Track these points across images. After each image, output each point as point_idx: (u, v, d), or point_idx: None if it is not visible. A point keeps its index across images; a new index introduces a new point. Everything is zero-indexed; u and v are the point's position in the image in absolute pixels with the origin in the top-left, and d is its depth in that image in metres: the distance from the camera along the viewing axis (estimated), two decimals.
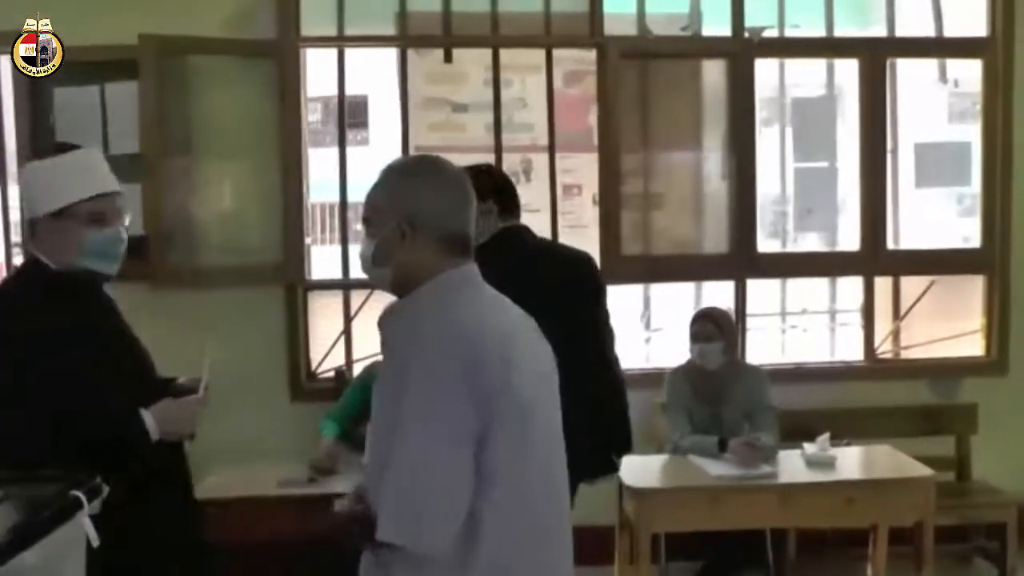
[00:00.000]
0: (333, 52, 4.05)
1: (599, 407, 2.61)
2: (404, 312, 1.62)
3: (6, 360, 1.87)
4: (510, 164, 4.11)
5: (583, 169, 4.44)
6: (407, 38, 4.08)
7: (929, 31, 4.44)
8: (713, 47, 4.18)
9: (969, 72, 4.48)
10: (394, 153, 3.88)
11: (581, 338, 2.53)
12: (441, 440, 1.46)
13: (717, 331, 3.66)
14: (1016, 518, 3.86)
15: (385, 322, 1.66)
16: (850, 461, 3.56)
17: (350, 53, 4.09)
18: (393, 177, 1.66)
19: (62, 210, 1.96)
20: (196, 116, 3.84)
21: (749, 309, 4.25)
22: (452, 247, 1.60)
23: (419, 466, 1.46)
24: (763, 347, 4.62)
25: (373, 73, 5.64)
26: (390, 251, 1.60)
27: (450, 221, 1.61)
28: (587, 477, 2.69)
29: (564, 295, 2.49)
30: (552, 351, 1.71)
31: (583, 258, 2.71)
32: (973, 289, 4.44)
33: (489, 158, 3.96)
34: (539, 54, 4.05)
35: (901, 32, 4.35)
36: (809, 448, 3.48)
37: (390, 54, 4.26)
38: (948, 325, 4.43)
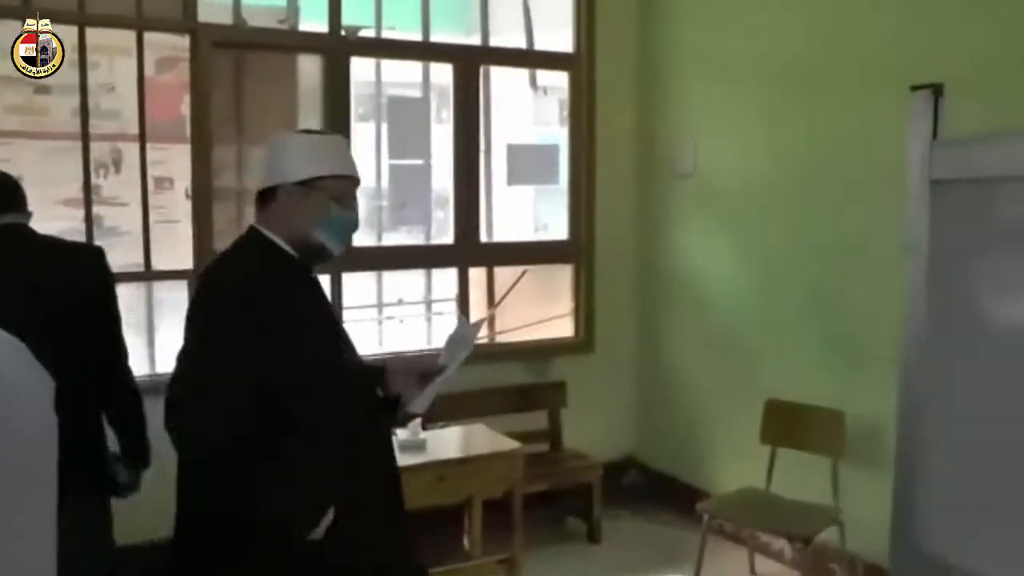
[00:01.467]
0: None
1: (121, 405, 2.56)
2: None
3: (221, 326, 1.89)
4: (99, 153, 3.82)
5: (175, 161, 4.22)
6: None
7: (522, 43, 4.83)
8: (309, 42, 4.20)
9: (559, 81, 4.95)
10: None
11: (98, 332, 2.46)
12: None
13: None
14: (601, 478, 4.34)
15: None
16: (443, 442, 3.75)
17: None
18: None
19: (313, 179, 1.98)
20: None
21: (345, 302, 4.32)
22: None
23: None
24: (360, 338, 4.68)
25: None
26: None
27: None
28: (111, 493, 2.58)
29: (78, 290, 2.41)
30: (48, 383, 1.40)
31: (94, 250, 2.61)
32: (563, 277, 4.91)
33: (75, 146, 3.66)
34: (129, 36, 3.79)
35: (496, 42, 4.67)
36: (400, 433, 3.60)
37: None
38: (541, 310, 4.87)
